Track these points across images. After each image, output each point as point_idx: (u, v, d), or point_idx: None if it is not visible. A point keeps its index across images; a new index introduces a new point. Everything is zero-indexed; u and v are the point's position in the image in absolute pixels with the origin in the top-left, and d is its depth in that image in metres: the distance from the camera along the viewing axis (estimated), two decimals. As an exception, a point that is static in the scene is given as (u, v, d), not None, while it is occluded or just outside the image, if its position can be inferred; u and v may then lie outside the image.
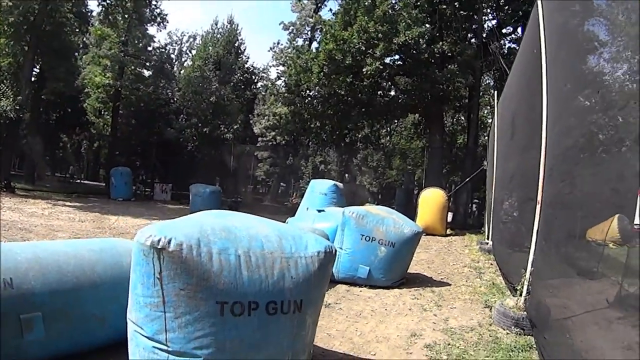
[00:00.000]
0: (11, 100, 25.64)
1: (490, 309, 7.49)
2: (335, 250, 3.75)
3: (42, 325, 3.47)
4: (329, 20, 29.57)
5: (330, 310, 7.43)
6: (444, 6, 24.77)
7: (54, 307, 3.56)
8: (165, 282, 3.01)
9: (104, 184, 37.38)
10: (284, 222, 11.92)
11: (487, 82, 32.38)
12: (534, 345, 5.91)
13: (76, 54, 38.77)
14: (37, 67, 34.25)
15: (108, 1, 33.02)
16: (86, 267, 3.93)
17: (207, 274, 3.02)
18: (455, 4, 24.92)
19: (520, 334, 6.38)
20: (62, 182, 43.13)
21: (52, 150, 46.01)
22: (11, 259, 3.54)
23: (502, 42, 26.39)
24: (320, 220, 10.87)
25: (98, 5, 34.20)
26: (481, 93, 29.88)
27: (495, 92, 19.27)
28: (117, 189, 29.86)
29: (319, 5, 42.13)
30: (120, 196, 29.24)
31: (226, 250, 3.12)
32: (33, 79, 33.23)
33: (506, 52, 25.44)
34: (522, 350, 5.84)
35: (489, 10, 27.06)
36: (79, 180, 47.45)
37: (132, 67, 37.19)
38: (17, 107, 25.80)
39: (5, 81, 29.18)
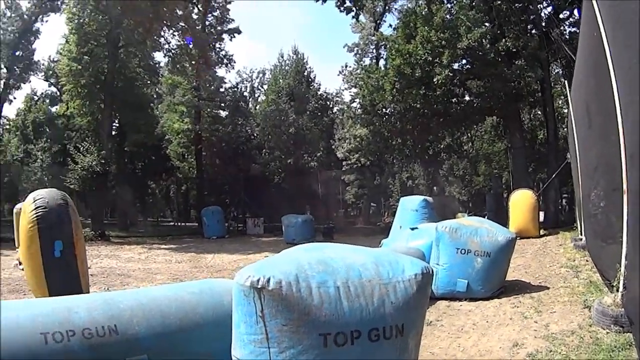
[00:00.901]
0: (95, 155, 26.78)
1: (590, 309, 7.21)
2: (433, 271, 3.71)
3: (147, 365, 3.58)
4: (390, 35, 29.62)
5: (432, 328, 7.38)
6: (499, 2, 24.39)
7: (159, 349, 3.64)
8: (268, 319, 3.04)
9: (196, 224, 38.17)
10: (379, 242, 11.92)
11: (556, 71, 31.59)
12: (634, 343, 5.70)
13: (152, 104, 40.02)
14: (116, 121, 35.54)
15: (173, 51, 34.06)
16: (188, 309, 4.01)
17: (308, 308, 3.03)
18: None
19: (620, 332, 6.10)
20: (155, 226, 44.34)
21: (141, 197, 47.62)
22: (114, 307, 3.66)
23: (562, 28, 25.75)
24: (414, 239, 10.79)
25: (164, 56, 35.39)
26: (552, 84, 29.12)
27: (566, 81, 18.82)
28: (210, 227, 30.70)
29: (377, 22, 42.27)
30: (213, 234, 29.99)
31: (325, 282, 3.13)
32: (114, 133, 34.46)
33: (568, 37, 24.75)
34: (622, 349, 5.60)
35: (542, -2, 26.43)
36: (173, 223, 48.68)
37: (208, 110, 38.30)
38: (102, 161, 26.87)
39: (87, 139, 30.53)
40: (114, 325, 3.48)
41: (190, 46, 33.92)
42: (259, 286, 3.00)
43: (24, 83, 45.86)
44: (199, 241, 27.71)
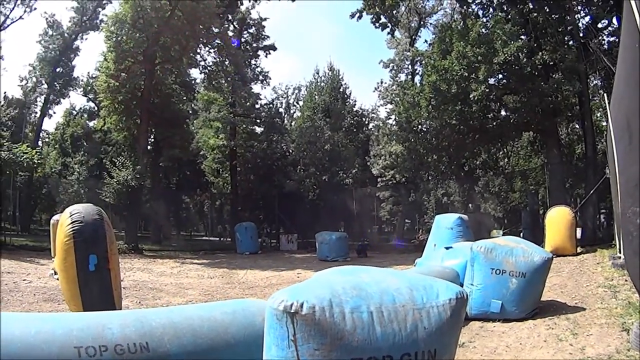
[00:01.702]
0: (131, 170, 27.24)
1: (628, 332, 7.03)
2: (467, 295, 3.67)
3: (177, 381, 3.62)
4: (426, 51, 29.67)
5: (465, 350, 7.27)
6: (535, 14, 24.21)
7: (190, 367, 3.70)
8: (300, 343, 3.03)
9: (229, 240, 38.36)
10: (413, 261, 11.86)
11: (595, 83, 31.12)
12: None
13: (187, 120, 40.40)
14: (152, 137, 36.00)
15: (209, 68, 34.50)
16: (220, 329, 4.05)
17: (340, 333, 3.01)
18: (546, 8, 24.32)
19: None
20: (188, 240, 44.69)
21: (175, 211, 48.06)
22: (147, 324, 3.71)
23: (600, 38, 25.40)
24: (449, 258, 10.75)
25: (200, 73, 35.94)
26: (591, 96, 28.70)
27: (605, 93, 18.54)
28: (243, 243, 30.74)
29: (413, 37, 42.41)
30: (246, 250, 30.01)
31: (358, 308, 3.11)
32: (149, 148, 34.90)
33: (606, 47, 24.40)
34: None
35: (580, 8, 26.08)
36: (205, 238, 49.04)
37: (244, 126, 38.74)
38: (138, 176, 27.29)
39: (123, 153, 31.15)
40: (145, 343, 3.54)
41: (235, 46, 34.49)
42: (292, 311, 2.99)
43: (64, 98, 47.46)
44: (231, 257, 27.84)
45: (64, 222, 8.05)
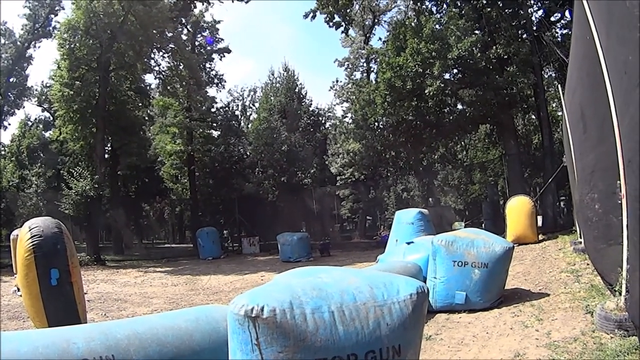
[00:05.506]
0: (89, 180, 26.83)
1: (592, 314, 7.12)
2: (428, 289, 3.70)
3: (147, 392, 3.61)
4: (380, 48, 29.76)
5: (432, 342, 7.32)
6: (489, 9, 24.47)
7: (156, 377, 3.69)
8: (263, 347, 3.03)
9: (191, 246, 38.12)
10: (375, 257, 11.88)
11: (549, 74, 31.55)
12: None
13: (143, 127, 40.04)
14: (109, 145, 35.57)
15: (164, 73, 34.22)
16: (185, 337, 4.04)
17: (303, 334, 3.02)
18: (499, 3, 24.61)
19: (624, 337, 5.98)
20: (150, 248, 44.30)
21: (136, 220, 47.54)
22: (111, 337, 3.68)
23: (553, 31, 25.81)
24: (410, 253, 10.78)
25: (155, 78, 35.60)
26: (546, 87, 29.11)
27: (559, 84, 18.80)
28: (205, 248, 30.62)
29: (367, 35, 42.56)
30: (209, 255, 29.92)
31: (319, 308, 3.13)
32: (106, 156, 34.49)
33: (560, 39, 24.81)
34: (628, 354, 5.48)
35: (533, 2, 26.45)
36: (167, 245, 48.66)
37: (200, 130, 38.39)
38: (96, 186, 26.92)
39: (80, 163, 30.65)
40: (111, 355, 3.52)
41: (210, 47, 34.43)
42: (253, 315, 2.99)
43: (18, 109, 46.19)
44: (194, 263, 27.65)
45: (23, 237, 7.97)
